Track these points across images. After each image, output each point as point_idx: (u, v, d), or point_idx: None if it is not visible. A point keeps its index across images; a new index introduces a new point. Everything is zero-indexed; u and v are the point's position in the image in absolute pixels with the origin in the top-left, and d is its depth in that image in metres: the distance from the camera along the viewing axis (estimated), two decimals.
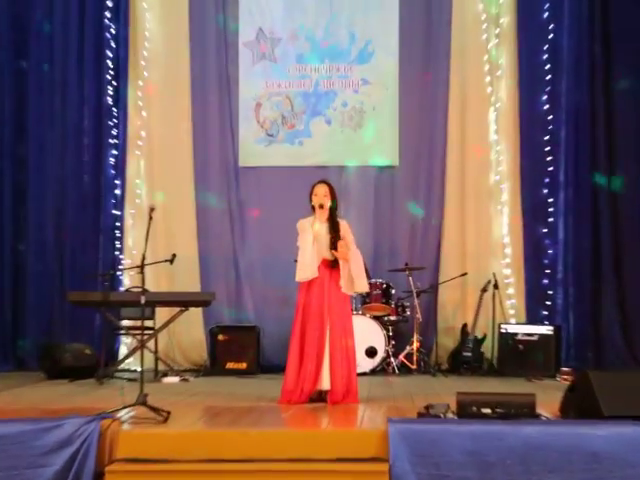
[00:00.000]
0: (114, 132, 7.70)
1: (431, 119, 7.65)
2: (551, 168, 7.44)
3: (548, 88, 7.48)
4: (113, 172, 7.71)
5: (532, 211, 7.47)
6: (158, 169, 7.73)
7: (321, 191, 5.00)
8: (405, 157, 7.68)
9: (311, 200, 5.04)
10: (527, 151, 7.47)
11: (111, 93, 7.69)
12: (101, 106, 7.64)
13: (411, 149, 7.68)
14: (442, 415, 3.81)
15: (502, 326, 7.06)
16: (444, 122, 7.59)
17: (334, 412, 4.50)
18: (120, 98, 7.65)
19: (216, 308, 7.26)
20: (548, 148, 7.46)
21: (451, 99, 7.59)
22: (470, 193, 7.59)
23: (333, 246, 4.94)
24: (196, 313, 7.22)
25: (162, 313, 6.81)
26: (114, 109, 7.69)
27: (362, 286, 5.02)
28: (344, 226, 5.09)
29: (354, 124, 7.76)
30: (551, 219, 7.43)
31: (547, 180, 7.46)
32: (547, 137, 7.46)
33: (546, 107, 7.47)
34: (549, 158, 7.45)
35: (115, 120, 7.70)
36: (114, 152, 7.71)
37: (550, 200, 7.43)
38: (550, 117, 7.46)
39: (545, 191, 7.45)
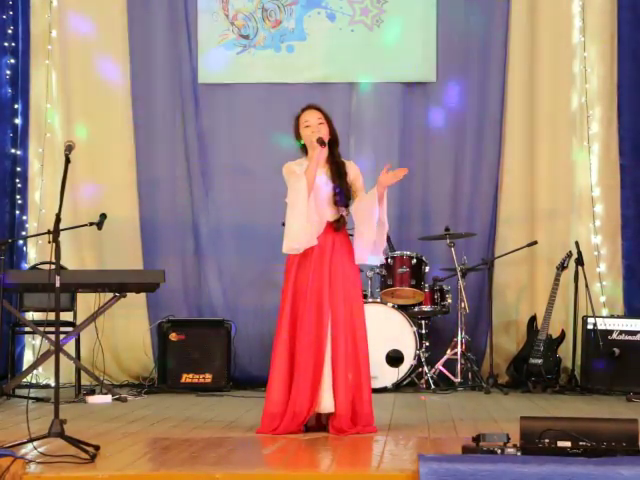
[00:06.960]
0: (10, 30, 7.65)
1: (485, 11, 7.57)
2: None
3: None
4: (10, 91, 7.68)
5: (635, 149, 7.45)
6: (78, 87, 7.70)
7: (313, 118, 4.94)
8: (445, 69, 7.63)
9: (298, 136, 5.00)
10: (629, 59, 7.42)
11: None
12: None
13: (455, 57, 7.63)
14: (499, 450, 3.84)
15: (589, 320, 7.10)
16: (504, 16, 7.52)
17: (340, 446, 4.52)
18: None
19: (167, 294, 7.30)
20: None
21: None
22: (542, 123, 7.56)
23: (338, 200, 4.91)
24: (137, 302, 7.25)
25: (87, 302, 6.83)
26: None
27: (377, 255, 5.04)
28: (352, 168, 5.04)
29: (370, 20, 7.70)
30: None
31: None
32: None
33: None
34: None
35: (11, 12, 7.62)
36: (11, 61, 7.67)
37: None
38: None
39: None
